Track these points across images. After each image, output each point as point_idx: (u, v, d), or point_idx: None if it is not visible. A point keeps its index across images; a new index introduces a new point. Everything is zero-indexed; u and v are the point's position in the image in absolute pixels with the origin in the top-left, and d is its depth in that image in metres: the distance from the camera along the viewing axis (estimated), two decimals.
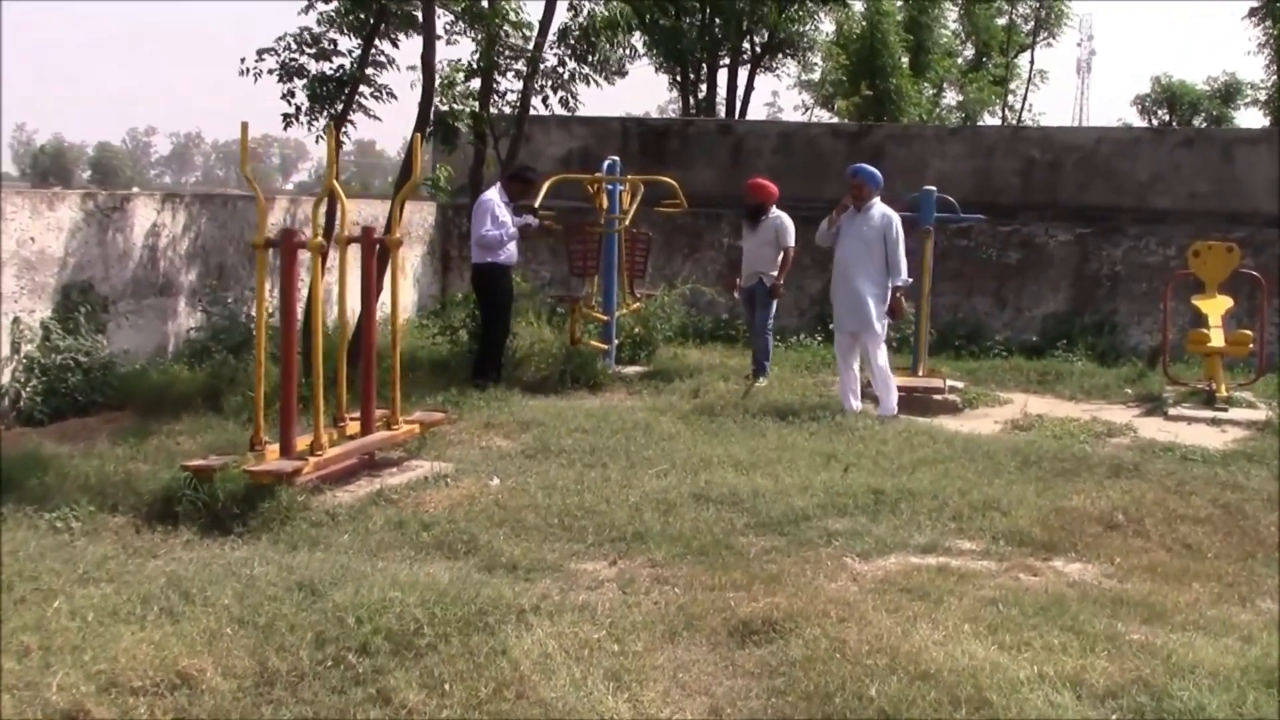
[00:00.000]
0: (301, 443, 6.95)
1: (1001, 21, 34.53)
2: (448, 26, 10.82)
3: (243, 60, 9.63)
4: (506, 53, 11.31)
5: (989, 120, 34.11)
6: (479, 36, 10.79)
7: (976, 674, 4.47)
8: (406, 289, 14.74)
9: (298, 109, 9.55)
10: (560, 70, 11.18)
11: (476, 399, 10.09)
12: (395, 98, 10.20)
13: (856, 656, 4.66)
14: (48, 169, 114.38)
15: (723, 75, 23.44)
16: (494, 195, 10.77)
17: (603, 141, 15.83)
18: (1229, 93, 37.91)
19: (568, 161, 15.50)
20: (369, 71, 9.85)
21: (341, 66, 9.77)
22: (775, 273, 11.68)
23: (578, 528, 6.55)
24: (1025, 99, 36.93)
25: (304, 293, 8.85)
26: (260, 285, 6.90)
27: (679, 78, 22.73)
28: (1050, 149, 15.53)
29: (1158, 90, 39.01)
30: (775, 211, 11.77)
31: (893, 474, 7.96)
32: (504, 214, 10.66)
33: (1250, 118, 37.97)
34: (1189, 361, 13.03)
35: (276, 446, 6.88)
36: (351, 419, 7.76)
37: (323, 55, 9.56)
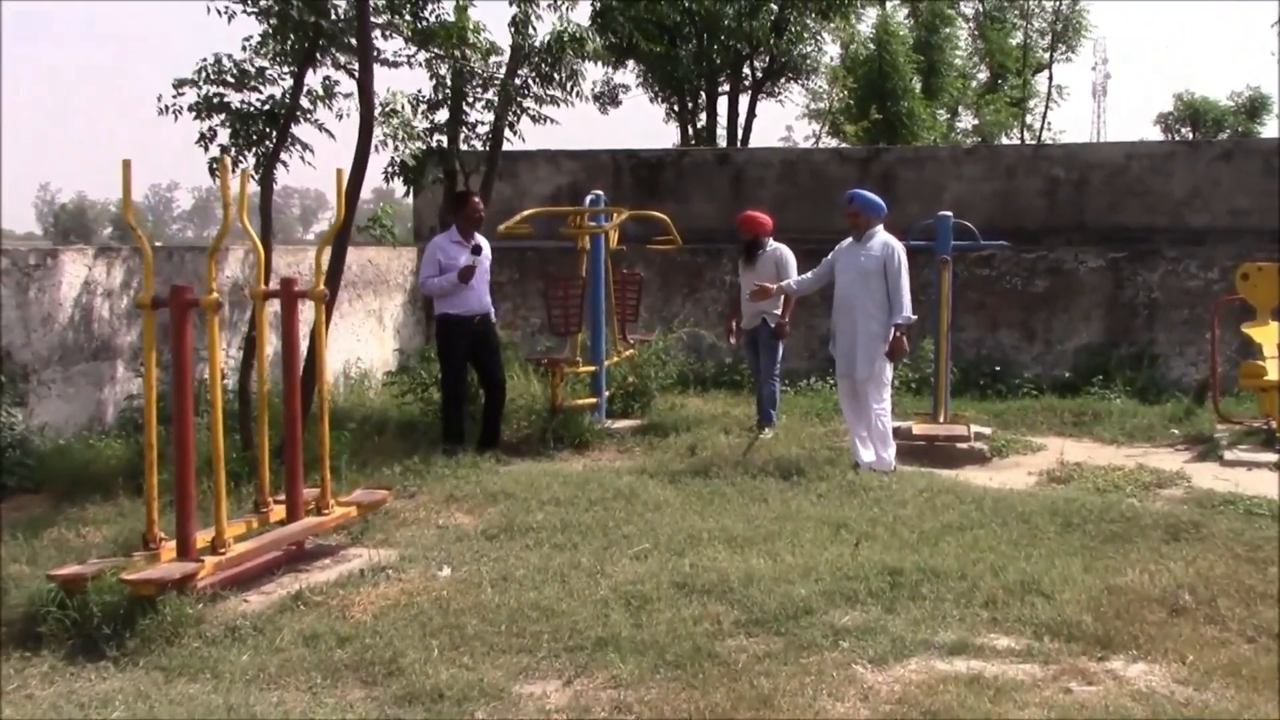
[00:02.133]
0: (203, 539, 5.83)
1: (1016, 40, 33.39)
2: (400, 53, 9.75)
3: (159, 98, 8.59)
4: (475, 81, 10.25)
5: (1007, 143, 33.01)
6: (442, 64, 9.75)
7: None
8: (385, 341, 13.69)
9: (222, 150, 8.49)
10: (525, 92, 10.06)
11: (442, 466, 8.98)
12: (332, 135, 9.16)
13: None
14: (69, 227, 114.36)
15: (724, 104, 22.46)
16: (440, 238, 9.73)
17: (593, 176, 14.78)
18: (1254, 107, 36.76)
19: (556, 198, 14.46)
20: (305, 104, 8.76)
21: (271, 98, 8.71)
22: (779, 311, 10.57)
23: (531, 634, 5.42)
24: (1045, 117, 35.73)
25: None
26: (148, 352, 5.79)
27: (676, 108, 21.69)
28: (1075, 167, 14.37)
29: (1180, 107, 37.86)
30: (773, 244, 10.68)
31: (913, 547, 6.80)
32: (450, 256, 9.49)
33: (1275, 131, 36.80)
34: (1240, 396, 11.80)
35: (175, 544, 5.76)
36: (278, 503, 6.66)
37: (243, 85, 8.46)
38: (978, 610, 5.75)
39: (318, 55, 8.67)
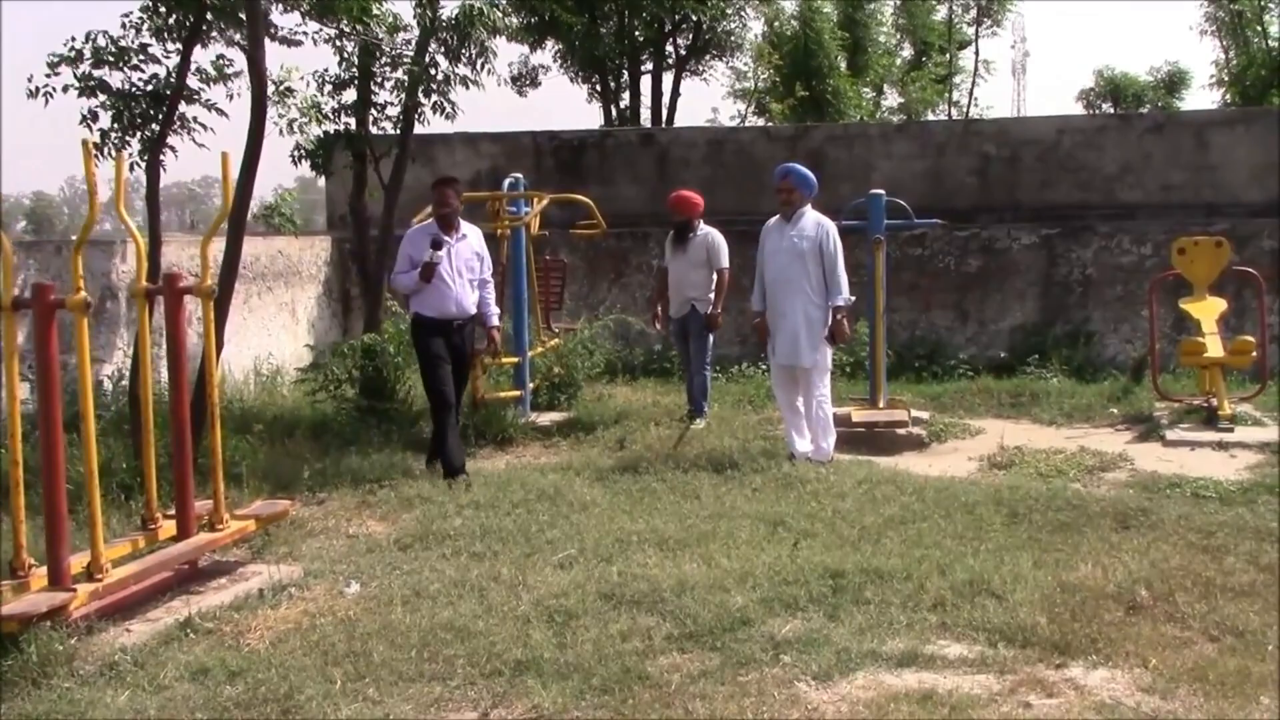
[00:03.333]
0: (80, 563, 5.27)
1: (940, 16, 33.22)
2: (297, 30, 9.11)
3: (30, 79, 7.90)
4: (383, 59, 9.67)
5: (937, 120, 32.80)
6: (347, 40, 9.15)
7: None
8: (299, 335, 13.07)
9: (104, 134, 7.84)
10: (433, 73, 9.48)
11: (357, 470, 8.45)
12: (226, 115, 8.50)
13: None
14: None
15: (648, 84, 21.89)
16: (415, 229, 8.67)
17: (514, 159, 14.25)
18: (1173, 82, 36.98)
19: (476, 184, 13.87)
20: (194, 84, 8.11)
21: (155, 77, 8.05)
22: (711, 297, 10.14)
23: (444, 659, 4.94)
24: (972, 93, 35.64)
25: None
26: (8, 360, 5.18)
27: (598, 88, 21.10)
28: (1007, 143, 14.09)
29: (1101, 83, 37.97)
30: (704, 228, 10.24)
31: (854, 545, 6.42)
32: (420, 251, 8.32)
33: (1199, 104, 37.10)
34: (1176, 373, 11.60)
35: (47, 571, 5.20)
36: (170, 518, 6.10)
37: (121, 63, 7.79)
38: (926, 614, 5.38)
39: (205, 30, 8.03)
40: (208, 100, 8.34)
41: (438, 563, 6.31)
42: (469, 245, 8.56)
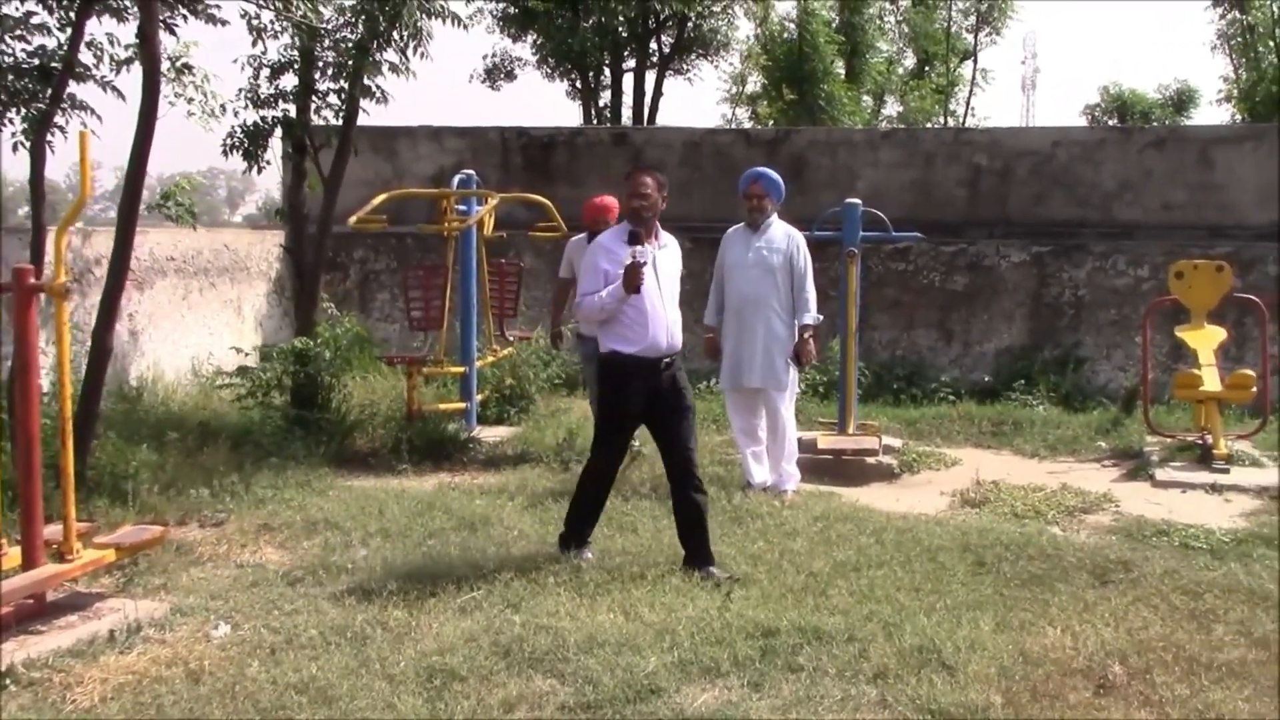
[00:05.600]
0: None
1: (940, 25, 32.47)
2: (209, 5, 8.30)
3: None
4: (324, 42, 8.95)
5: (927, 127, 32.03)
6: (279, 20, 8.42)
7: None
8: (245, 334, 12.34)
9: None
10: (364, 60, 8.71)
11: (268, 487, 7.74)
12: (120, 94, 7.75)
13: None
14: None
15: (630, 82, 21.03)
16: (606, 235, 6.51)
17: (480, 155, 13.53)
18: (1181, 100, 36.29)
19: (439, 180, 13.16)
20: (87, 60, 7.37)
21: (43, 49, 7.32)
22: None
23: None
24: (969, 102, 34.81)
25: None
26: None
27: (577, 84, 20.30)
28: (999, 154, 13.36)
29: (1107, 99, 37.26)
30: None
31: (796, 596, 5.71)
32: (618, 262, 6.16)
33: (1206, 121, 36.36)
34: (1171, 406, 10.86)
35: None
36: (18, 543, 5.38)
37: (2, 30, 7.04)
38: (865, 687, 4.66)
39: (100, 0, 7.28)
40: (103, 78, 7.60)
41: (325, 602, 5.60)
42: (671, 257, 6.47)
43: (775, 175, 8.31)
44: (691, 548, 6.20)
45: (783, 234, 8.09)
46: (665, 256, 6.39)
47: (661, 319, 6.23)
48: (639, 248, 6.09)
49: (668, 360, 6.29)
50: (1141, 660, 4.92)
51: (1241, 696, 4.59)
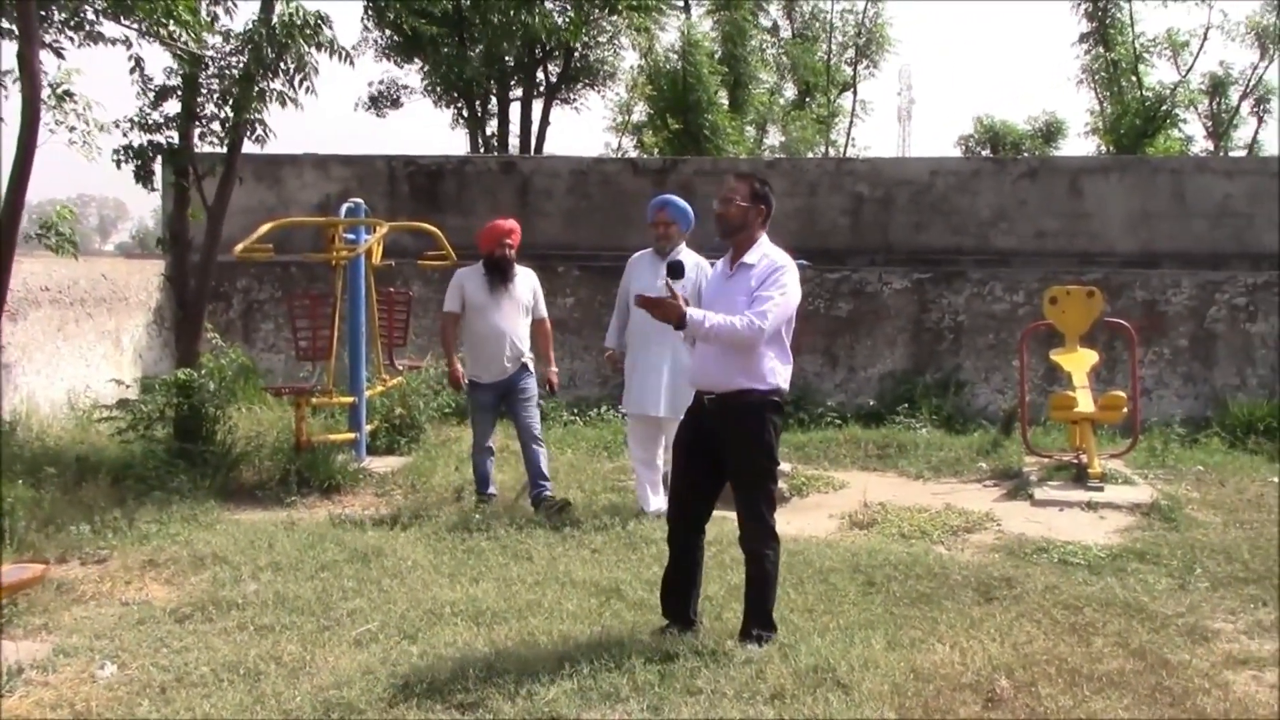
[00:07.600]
0: None
1: (820, 57, 33.19)
2: (94, 27, 8.11)
3: None
4: (209, 69, 8.81)
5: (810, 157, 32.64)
6: (164, 47, 8.27)
7: None
8: (124, 366, 12.02)
9: None
10: (249, 90, 8.59)
11: (151, 522, 7.54)
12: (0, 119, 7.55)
13: None
14: None
15: (517, 111, 21.11)
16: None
17: (367, 184, 13.44)
18: (1050, 131, 37.62)
19: (325, 209, 13.04)
20: None
21: None
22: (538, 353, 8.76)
23: None
24: (850, 132, 35.65)
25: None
26: None
27: (464, 112, 20.29)
28: (880, 183, 13.72)
29: (980, 130, 38.46)
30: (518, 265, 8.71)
31: None
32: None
33: (1074, 152, 37.74)
34: (1048, 427, 11.23)
35: None
36: None
37: None
38: (762, 708, 4.72)
39: None
40: None
41: (215, 638, 5.48)
42: (700, 274, 6.28)
43: (683, 203, 8.28)
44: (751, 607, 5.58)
45: (692, 263, 7.79)
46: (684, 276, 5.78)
47: (710, 353, 5.80)
48: (677, 280, 5.58)
49: (712, 397, 5.80)
50: (1027, 674, 5.07)
51: (1121, 705, 4.76)
